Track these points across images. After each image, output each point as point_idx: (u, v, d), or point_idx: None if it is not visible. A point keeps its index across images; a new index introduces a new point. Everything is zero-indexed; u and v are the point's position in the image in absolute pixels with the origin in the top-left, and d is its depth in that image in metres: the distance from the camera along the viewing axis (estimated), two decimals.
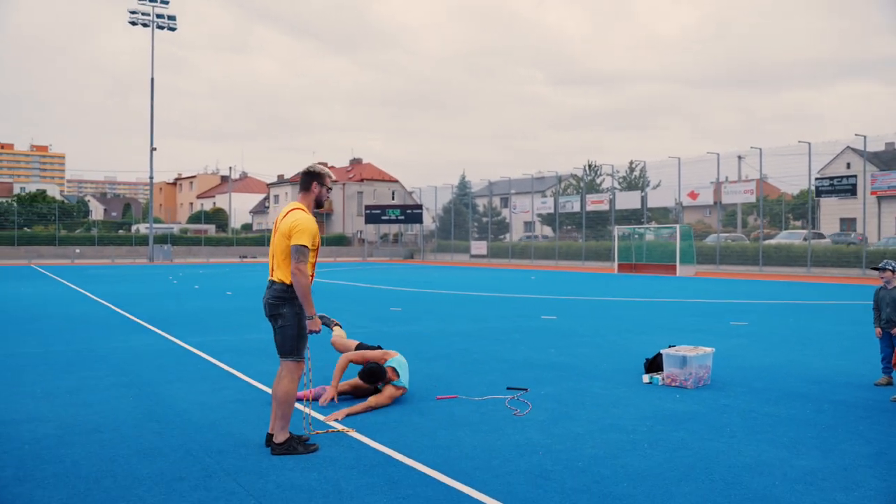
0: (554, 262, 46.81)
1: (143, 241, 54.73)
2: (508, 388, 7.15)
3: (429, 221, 60.76)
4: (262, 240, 58.80)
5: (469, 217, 58.80)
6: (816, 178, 32.65)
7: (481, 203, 62.71)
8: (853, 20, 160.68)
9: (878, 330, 7.37)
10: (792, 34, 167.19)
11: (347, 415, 6.01)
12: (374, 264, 46.71)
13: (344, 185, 72.73)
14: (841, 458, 4.85)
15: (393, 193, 74.44)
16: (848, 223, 49.22)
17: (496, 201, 60.60)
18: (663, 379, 7.36)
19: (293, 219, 5.15)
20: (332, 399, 6.47)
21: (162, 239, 54.69)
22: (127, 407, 6.37)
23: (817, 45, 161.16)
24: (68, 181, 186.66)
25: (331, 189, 5.49)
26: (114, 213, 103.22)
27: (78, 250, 50.89)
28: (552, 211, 49.74)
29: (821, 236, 38.94)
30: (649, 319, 13.61)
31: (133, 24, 50.81)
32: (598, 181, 53.61)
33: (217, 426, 5.72)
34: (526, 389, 7.08)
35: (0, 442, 5.25)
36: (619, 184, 49.42)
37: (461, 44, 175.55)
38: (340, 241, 62.29)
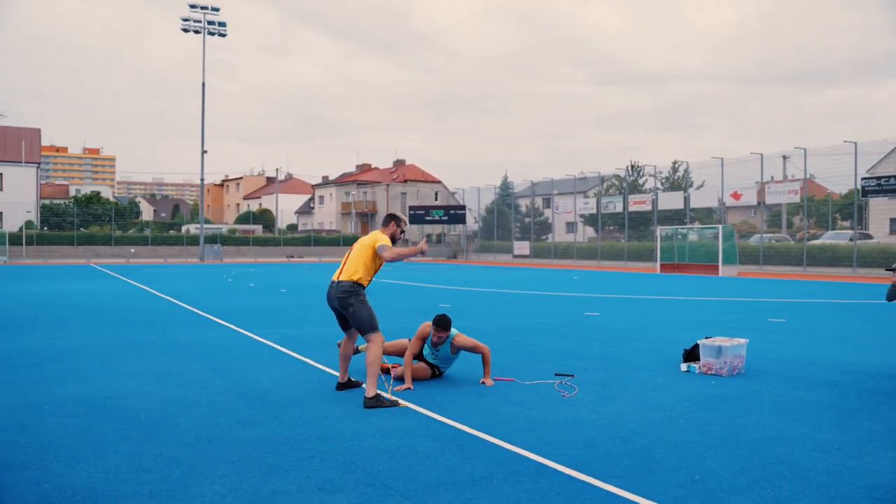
0: (596, 263, 47.11)
1: (193, 241, 56.50)
2: (556, 375, 7.82)
3: (471, 222, 61.45)
4: (309, 240, 60.16)
5: (511, 217, 59.38)
6: (863, 178, 32.49)
7: (524, 203, 63.24)
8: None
9: None
10: (839, 29, 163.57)
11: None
12: (419, 264, 47.56)
13: (388, 186, 73.85)
14: (857, 433, 5.43)
15: (436, 194, 75.34)
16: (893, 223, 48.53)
17: (538, 201, 61.04)
18: (700, 367, 7.95)
19: (377, 235, 6.74)
20: (409, 388, 7.11)
21: (212, 239, 56.36)
22: (217, 387, 7.20)
23: (867, 41, 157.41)
24: (118, 183, 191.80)
25: (404, 231, 6.92)
26: (163, 214, 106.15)
27: (133, 250, 52.80)
28: (595, 211, 49.98)
29: (868, 237, 38.60)
30: (690, 316, 14.12)
31: (185, 31, 52.53)
32: (640, 181, 53.75)
33: (301, 402, 6.50)
34: (572, 376, 7.73)
35: (116, 411, 6.10)
36: (662, 184, 49.45)
37: (501, 43, 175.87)
38: None
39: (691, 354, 8.29)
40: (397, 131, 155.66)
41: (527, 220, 59.70)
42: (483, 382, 7.35)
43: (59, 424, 5.68)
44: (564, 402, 6.53)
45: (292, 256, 55.87)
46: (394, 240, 6.79)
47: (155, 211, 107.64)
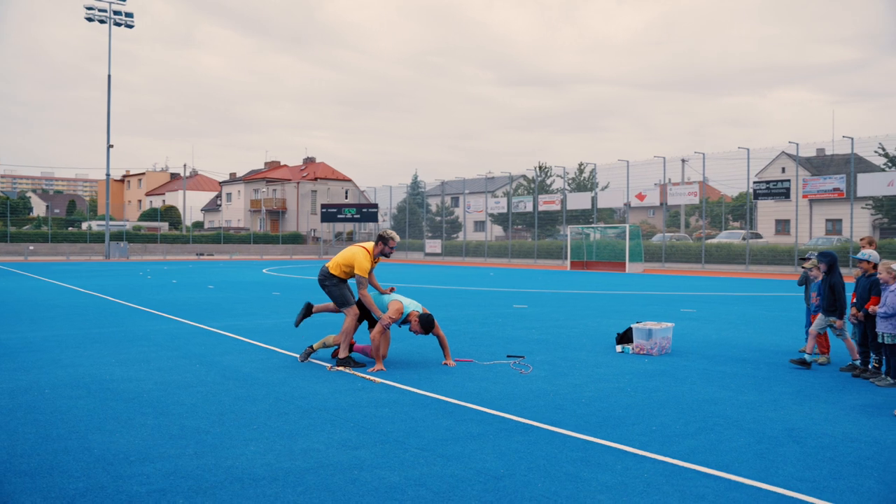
0: (507, 260, 48.65)
1: (97, 238, 54.65)
2: (508, 356, 8.69)
3: (383, 220, 62.01)
4: (219, 237, 59.19)
5: (423, 216, 60.35)
6: (754, 182, 35.15)
7: (434, 203, 64.39)
8: (791, 28, 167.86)
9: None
10: (733, 41, 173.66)
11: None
12: None
13: (298, 183, 73.39)
14: (771, 394, 6.54)
15: (346, 192, 75.42)
16: (782, 224, 52.36)
17: (448, 200, 62.25)
18: (633, 348, 9.00)
19: (361, 259, 7.94)
20: (382, 370, 7.79)
21: (117, 236, 54.69)
22: (200, 371, 7.68)
23: (757, 52, 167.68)
24: (1, 176, 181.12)
25: (393, 249, 8.22)
26: (56, 210, 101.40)
27: (31, 247, 50.61)
28: (505, 210, 51.52)
29: (758, 236, 41.61)
30: (610, 307, 15.34)
31: (90, 20, 50.75)
32: (548, 182, 55.80)
33: (286, 382, 7.10)
34: (523, 357, 8.62)
35: (118, 393, 6.53)
36: (569, 185, 51.48)
37: (411, 43, 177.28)
38: (296, 239, 63.03)
39: (624, 337, 9.34)
40: (306, 129, 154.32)
41: (437, 219, 60.84)
42: (446, 363, 8.13)
43: (72, 405, 6.09)
44: (524, 377, 7.40)
45: (202, 254, 54.89)
46: (384, 255, 8.24)
47: (48, 207, 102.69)
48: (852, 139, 31.73)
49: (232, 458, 4.61)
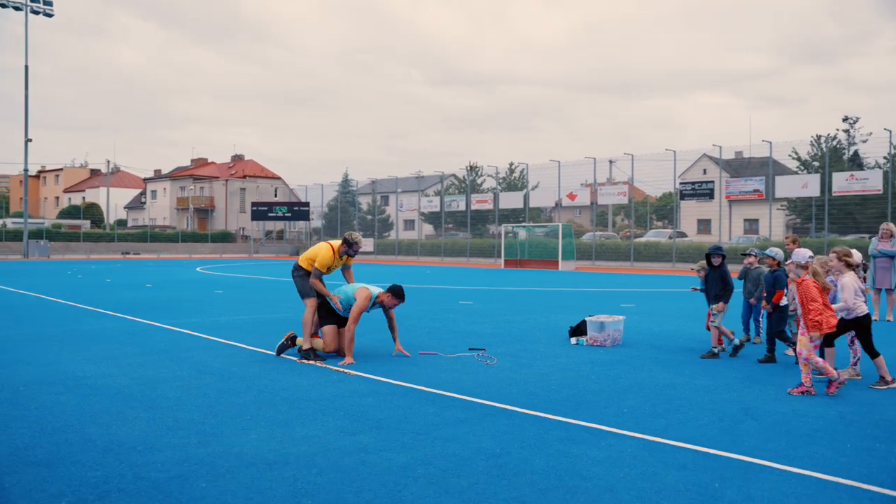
0: (440, 259, 49.10)
1: (13, 236, 52.46)
2: (470, 349, 9.05)
3: (314, 219, 61.64)
4: (145, 235, 57.67)
5: (354, 215, 60.29)
6: (680, 183, 36.61)
7: (365, 201, 64.34)
8: (708, 35, 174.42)
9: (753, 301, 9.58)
10: (654, 45, 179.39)
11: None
12: (267, 260, 47.30)
13: (226, 181, 72.12)
14: (723, 379, 7.12)
15: (276, 190, 74.52)
16: (704, 223, 54.57)
17: (379, 199, 62.34)
18: (587, 340, 9.49)
19: (324, 253, 8.44)
20: (353, 363, 8.01)
21: (36, 234, 52.63)
22: (173, 367, 7.75)
23: (677, 57, 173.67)
24: None
25: (355, 253, 8.66)
26: None
27: None
28: (438, 209, 51.99)
29: (683, 235, 43.29)
30: (553, 303, 15.91)
31: (3, 6, 48.64)
32: (478, 182, 56.58)
33: (263, 376, 7.26)
34: (484, 349, 8.99)
35: (100, 389, 6.57)
36: (499, 184, 52.32)
37: (337, 40, 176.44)
38: (225, 237, 61.96)
39: (577, 330, 9.83)
40: (233, 125, 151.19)
41: (369, 217, 60.91)
42: (398, 351, 8.41)
43: (57, 400, 6.12)
44: (491, 368, 7.77)
45: (128, 253, 53.38)
46: (348, 255, 8.68)
47: None
48: (770, 143, 33.47)
49: (238, 446, 4.80)
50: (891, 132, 31.97)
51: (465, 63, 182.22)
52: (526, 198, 45.22)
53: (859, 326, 6.97)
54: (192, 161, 79.72)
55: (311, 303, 8.36)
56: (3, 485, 4.05)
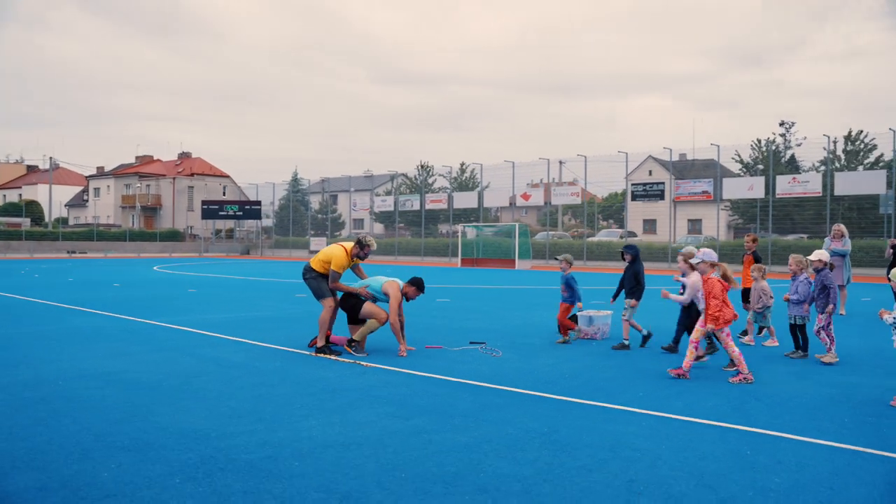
0: (394, 258, 49.38)
1: None
2: (471, 343, 9.54)
3: (266, 218, 61.20)
4: (91, 234, 56.37)
5: (307, 214, 60.15)
6: (632, 184, 37.79)
7: (316, 200, 64.19)
8: (650, 38, 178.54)
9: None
10: (596, 48, 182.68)
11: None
12: (221, 260, 46.85)
13: (174, 179, 70.97)
14: (716, 368, 7.78)
15: (224, 189, 73.67)
16: (650, 223, 56.27)
17: (327, 198, 62.32)
18: (577, 334, 10.08)
19: (339, 255, 8.66)
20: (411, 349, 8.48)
21: None
22: (194, 362, 8.03)
23: (619, 60, 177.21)
24: None
25: (367, 255, 8.86)
26: None
27: None
28: (392, 209, 52.29)
29: (633, 234, 44.62)
30: (525, 300, 16.51)
31: None
32: (430, 181, 57.13)
33: (287, 369, 7.62)
34: (485, 343, 9.50)
35: (136, 384, 6.84)
36: (451, 184, 52.93)
37: (282, 37, 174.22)
38: (174, 236, 61.01)
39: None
40: (178, 122, 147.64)
41: (321, 216, 60.83)
42: (406, 349, 8.66)
43: (103, 393, 6.38)
44: (500, 360, 8.28)
45: (74, 252, 52.12)
46: (359, 257, 8.88)
47: None
48: (718, 147, 34.90)
49: (305, 430, 5.19)
50: (829, 137, 33.74)
51: (411, 62, 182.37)
52: (480, 197, 45.92)
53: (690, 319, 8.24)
54: (138, 158, 78.11)
55: (328, 303, 8.66)
56: (108, 466, 4.37)
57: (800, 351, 8.59)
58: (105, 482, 4.08)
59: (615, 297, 9.90)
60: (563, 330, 9.74)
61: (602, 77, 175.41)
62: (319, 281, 8.80)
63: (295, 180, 66.36)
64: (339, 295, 8.87)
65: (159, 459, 4.49)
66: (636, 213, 56.43)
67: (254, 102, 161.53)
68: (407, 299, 8.80)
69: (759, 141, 42.06)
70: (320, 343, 8.60)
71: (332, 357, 8.32)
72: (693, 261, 7.87)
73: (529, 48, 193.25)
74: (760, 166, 36.30)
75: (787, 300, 8.71)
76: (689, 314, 8.73)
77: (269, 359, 8.30)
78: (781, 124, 43.18)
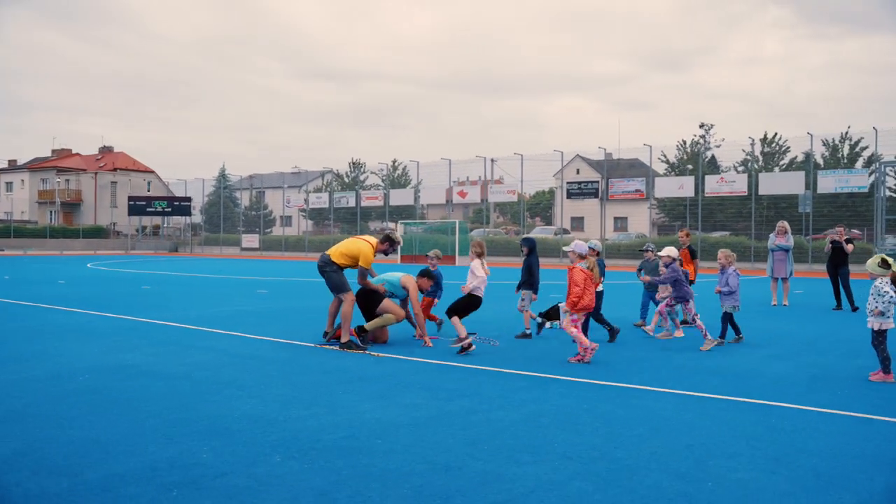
0: None
1: None
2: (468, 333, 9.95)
3: (195, 214, 59.92)
4: (8, 230, 53.96)
5: (239, 211, 59.26)
6: (568, 182, 38.94)
7: (245, 196, 63.24)
8: (572, 39, 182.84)
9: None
10: (519, 47, 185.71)
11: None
12: (151, 257, 45.71)
13: (96, 174, 68.60)
14: (698, 352, 8.48)
15: (149, 184, 71.68)
16: (577, 221, 57.92)
17: (255, 194, 61.58)
18: (560, 324, 10.64)
19: (367, 250, 8.81)
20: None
21: None
22: (207, 355, 8.19)
23: (541, 59, 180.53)
24: None
25: (395, 251, 9.15)
26: None
27: None
28: (326, 205, 52.12)
29: (566, 231, 45.90)
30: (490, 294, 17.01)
31: None
32: (361, 178, 57.25)
33: (303, 359, 7.90)
34: (476, 333, 9.95)
35: (169, 375, 6.99)
36: (384, 181, 53.16)
37: (199, 28, 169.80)
38: (98, 233, 58.99)
39: (549, 314, 10.97)
40: (92, 116, 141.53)
41: (252, 213, 60.05)
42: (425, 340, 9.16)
43: (139, 384, 6.54)
44: (501, 348, 8.77)
45: None
46: (385, 253, 9.13)
47: None
48: (650, 147, 36.41)
49: (366, 413, 5.54)
50: (753, 140, 35.71)
51: (331, 58, 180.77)
52: (416, 195, 46.36)
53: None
54: (54, 152, 74.98)
55: (349, 297, 8.76)
56: (202, 449, 4.63)
57: (737, 336, 9.30)
58: (211, 462, 4.34)
59: (518, 288, 10.22)
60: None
61: (526, 77, 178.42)
62: (340, 274, 8.86)
63: (223, 176, 65.25)
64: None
65: (247, 441, 4.76)
66: (565, 211, 58.18)
67: (174, 96, 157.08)
68: (421, 291, 9.14)
69: (685, 142, 44.17)
70: (344, 338, 8.61)
71: (359, 351, 8.38)
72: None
73: (445, 45, 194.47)
74: (690, 166, 38.02)
75: (719, 292, 9.29)
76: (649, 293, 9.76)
77: (278, 350, 8.53)
78: (701, 126, 45.39)
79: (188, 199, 56.83)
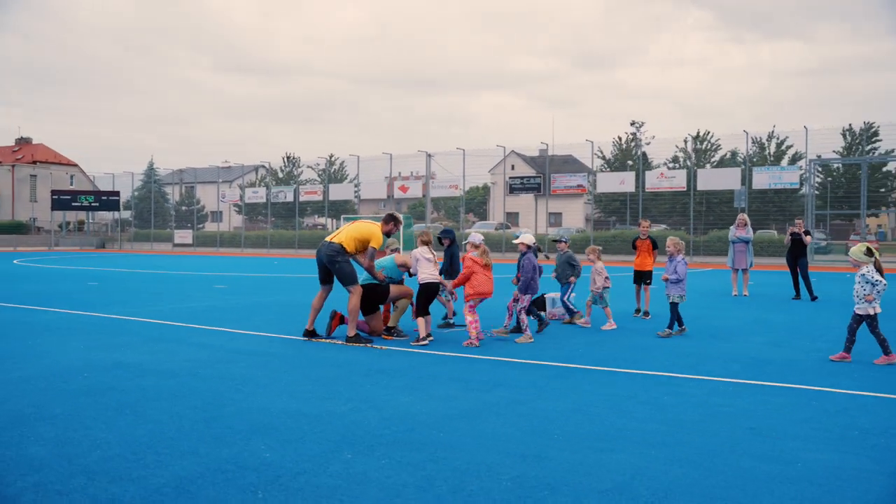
0: (266, 250, 48.27)
1: None
2: (452, 326, 9.87)
3: (125, 209, 57.75)
4: None
5: (170, 206, 57.43)
6: (510, 177, 39.21)
7: (175, 192, 61.34)
8: (497, 37, 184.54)
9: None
10: (445, 44, 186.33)
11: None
12: (79, 253, 43.79)
13: (13, 166, 65.28)
14: (696, 342, 8.64)
15: (72, 178, 68.62)
16: (512, 216, 58.54)
17: (184, 189, 59.90)
18: (547, 315, 10.67)
19: (374, 231, 8.48)
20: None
21: None
22: (208, 352, 7.84)
23: (468, 56, 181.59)
24: None
25: (398, 230, 8.97)
26: None
27: None
28: (264, 200, 51.02)
29: (507, 227, 46.26)
30: None
31: None
32: (296, 173, 56.34)
33: (314, 354, 7.66)
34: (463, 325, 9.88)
35: (180, 373, 6.66)
36: (320, 176, 52.42)
37: (117, 17, 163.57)
38: (18, 228, 56.20)
39: (535, 304, 10.96)
40: (11, 106, 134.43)
41: (184, 208, 58.32)
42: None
43: (155, 384, 6.20)
44: (502, 339, 8.71)
45: None
46: (388, 234, 8.83)
47: None
48: (592, 143, 37.02)
49: (409, 406, 5.39)
50: (688, 138, 36.73)
51: (255, 51, 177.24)
52: (357, 190, 45.88)
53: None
54: None
55: (358, 290, 8.38)
56: (261, 448, 4.40)
57: (680, 328, 9.14)
58: (279, 462, 4.11)
59: (442, 272, 10.05)
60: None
61: (453, 74, 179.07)
62: (351, 264, 8.42)
63: (151, 170, 63.09)
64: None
65: (303, 438, 4.56)
66: (499, 206, 58.66)
67: (95, 88, 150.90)
68: (388, 236, 8.93)
69: (620, 139, 45.11)
70: (351, 332, 8.29)
71: (365, 345, 8.16)
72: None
73: (373, 41, 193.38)
74: (630, 162, 38.82)
75: (666, 280, 9.30)
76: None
77: (275, 346, 8.26)
78: (633, 124, 46.47)
79: (116, 194, 54.65)
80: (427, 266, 8.57)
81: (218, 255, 41.39)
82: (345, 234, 8.52)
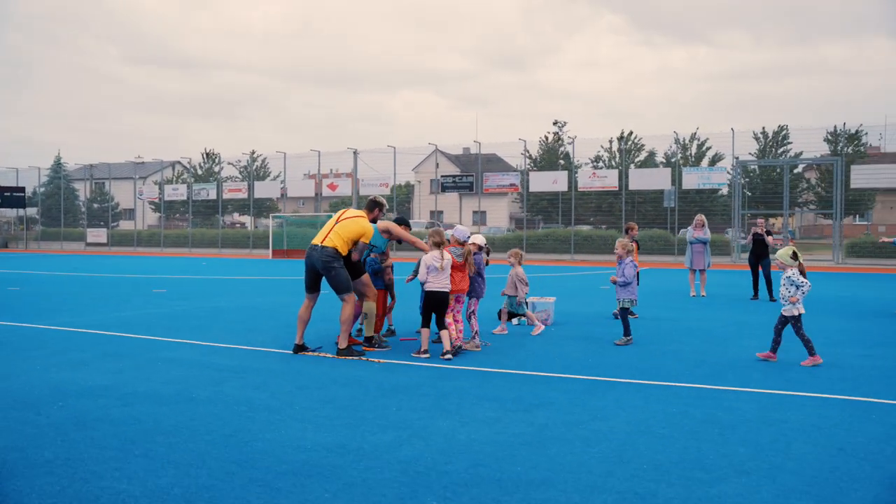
0: (187, 250, 46.39)
1: None
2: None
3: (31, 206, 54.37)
4: None
5: (82, 203, 54.41)
6: (443, 176, 38.85)
7: (86, 187, 58.20)
8: (416, 35, 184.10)
9: None
10: (366, 41, 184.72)
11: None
12: None
13: None
14: (700, 342, 8.45)
15: None
16: (436, 214, 58.34)
17: (98, 185, 57.00)
18: (528, 320, 10.30)
19: (363, 224, 7.87)
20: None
21: None
22: (180, 372, 7.10)
23: (386, 54, 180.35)
24: None
25: (384, 214, 8.39)
26: None
27: None
28: (184, 197, 49.00)
29: (434, 224, 46.02)
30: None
31: None
32: (216, 169, 54.43)
33: (310, 370, 7.03)
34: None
35: (181, 399, 5.94)
36: (241, 173, 50.80)
37: (22, 4, 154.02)
38: None
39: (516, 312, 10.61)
40: None
41: (95, 205, 55.41)
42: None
43: (144, 411, 5.47)
44: (501, 349, 8.31)
45: None
46: (375, 220, 8.20)
47: None
48: (524, 141, 37.19)
49: (450, 433, 4.89)
50: (613, 140, 37.28)
51: (169, 44, 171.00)
52: (284, 188, 44.57)
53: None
54: None
55: (351, 298, 7.77)
56: (333, 492, 3.82)
57: (625, 337, 8.81)
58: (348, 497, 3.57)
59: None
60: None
61: (373, 71, 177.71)
62: (345, 270, 7.74)
63: (59, 164, 59.67)
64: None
65: (368, 482, 3.99)
66: (425, 205, 58.38)
67: None
68: (375, 222, 8.32)
69: (546, 138, 45.39)
70: (343, 344, 7.71)
71: (358, 358, 7.63)
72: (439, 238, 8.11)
73: (293, 36, 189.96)
74: (562, 161, 39.08)
75: (614, 282, 9.01)
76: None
77: (263, 360, 7.60)
78: (555, 123, 46.85)
79: (21, 190, 51.36)
80: (435, 274, 7.80)
81: (136, 255, 39.38)
82: (335, 236, 7.77)
